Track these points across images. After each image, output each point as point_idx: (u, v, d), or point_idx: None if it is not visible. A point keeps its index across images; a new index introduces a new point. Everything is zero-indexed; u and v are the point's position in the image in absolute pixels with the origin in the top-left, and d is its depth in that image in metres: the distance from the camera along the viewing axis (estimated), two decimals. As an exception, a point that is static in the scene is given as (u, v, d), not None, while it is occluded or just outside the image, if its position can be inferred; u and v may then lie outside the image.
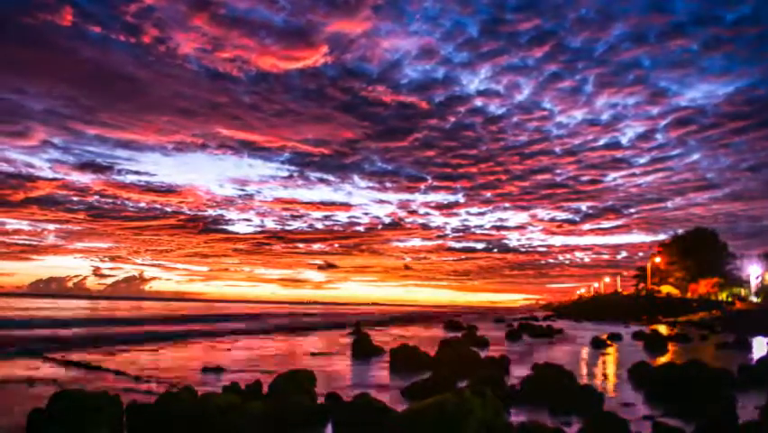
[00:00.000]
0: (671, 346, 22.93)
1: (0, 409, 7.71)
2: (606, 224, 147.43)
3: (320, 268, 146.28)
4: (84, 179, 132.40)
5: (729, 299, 64.96)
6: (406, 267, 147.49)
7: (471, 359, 13.16)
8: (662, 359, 16.85)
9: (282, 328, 32.53)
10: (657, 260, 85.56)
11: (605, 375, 13.19)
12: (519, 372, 11.75)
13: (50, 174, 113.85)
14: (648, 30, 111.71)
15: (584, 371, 13.79)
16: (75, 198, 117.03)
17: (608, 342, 23.93)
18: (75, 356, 14.27)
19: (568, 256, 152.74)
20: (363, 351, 17.13)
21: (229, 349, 18.39)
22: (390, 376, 12.38)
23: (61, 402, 5.99)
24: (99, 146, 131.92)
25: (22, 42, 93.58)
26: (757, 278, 63.85)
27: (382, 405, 6.84)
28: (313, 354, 16.85)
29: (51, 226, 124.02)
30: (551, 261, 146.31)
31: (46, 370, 11.84)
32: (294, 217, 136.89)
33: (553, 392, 8.65)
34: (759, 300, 59.52)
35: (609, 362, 16.51)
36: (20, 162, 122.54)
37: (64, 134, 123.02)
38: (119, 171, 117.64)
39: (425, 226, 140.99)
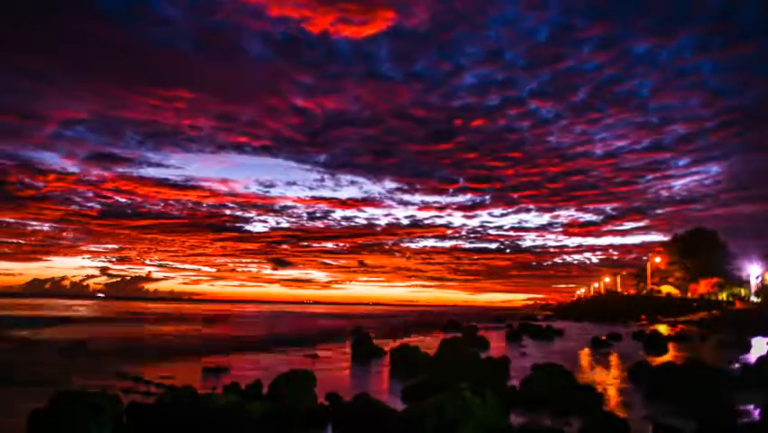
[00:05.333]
0: (671, 346, 22.91)
1: (0, 408, 7.71)
2: (628, 225, 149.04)
3: (273, 264, 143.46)
4: (98, 173, 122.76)
5: (729, 299, 64.94)
6: (361, 263, 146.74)
7: (471, 359, 13.16)
8: (662, 359, 16.84)
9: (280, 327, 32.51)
10: (657, 260, 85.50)
11: (605, 375, 13.19)
12: (519, 372, 11.75)
13: (61, 169, 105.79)
14: (712, 37, 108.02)
15: (584, 371, 13.78)
16: (88, 195, 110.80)
17: (608, 342, 23.92)
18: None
19: (576, 257, 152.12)
20: (363, 351, 17.11)
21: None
22: (390, 376, 12.38)
23: (62, 402, 5.99)
24: (117, 136, 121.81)
25: (24, 9, 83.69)
26: (757, 278, 63.78)
27: (382, 405, 6.84)
28: (312, 354, 16.85)
29: (60, 226, 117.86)
30: (557, 261, 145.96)
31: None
32: (311, 218, 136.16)
33: (553, 392, 8.66)
34: (759, 300, 59.47)
35: (609, 362, 16.51)
36: (30, 155, 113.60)
37: (75, 123, 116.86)
38: (139, 165, 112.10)
39: (442, 227, 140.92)
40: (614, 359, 17.37)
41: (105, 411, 6.03)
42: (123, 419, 6.37)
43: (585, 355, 18.39)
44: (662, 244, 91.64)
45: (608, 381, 12.13)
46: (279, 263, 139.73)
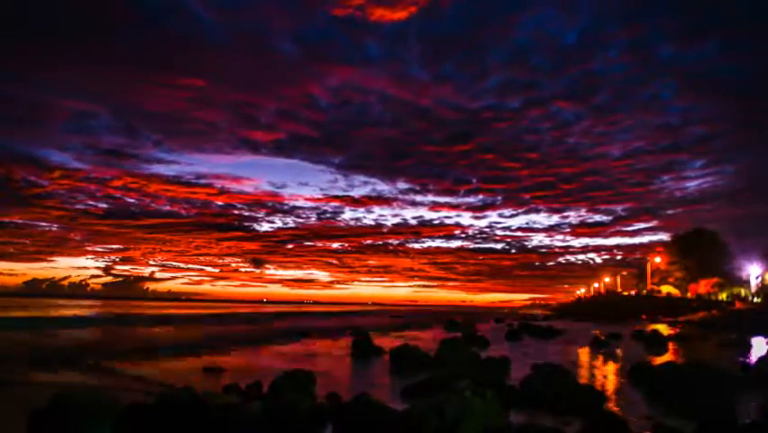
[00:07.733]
0: (671, 346, 22.92)
1: (1, 408, 7.71)
2: (637, 225, 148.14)
3: (253, 263, 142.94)
4: (106, 170, 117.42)
5: (729, 299, 64.96)
6: (339, 261, 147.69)
7: (471, 359, 13.16)
8: (663, 359, 16.84)
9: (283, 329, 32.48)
10: (657, 260, 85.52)
11: (605, 375, 13.19)
12: (519, 372, 11.74)
13: (68, 165, 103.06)
14: (740, 40, 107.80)
15: (584, 371, 13.78)
16: (96, 194, 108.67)
17: (608, 342, 23.91)
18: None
19: (580, 257, 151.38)
20: (363, 351, 17.12)
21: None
22: (390, 376, 12.37)
23: (62, 402, 5.99)
24: (128, 130, 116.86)
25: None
26: (757, 278, 63.79)
27: (382, 405, 6.83)
28: (312, 354, 16.84)
29: (65, 226, 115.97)
30: (561, 261, 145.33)
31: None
32: (319, 218, 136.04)
33: (553, 392, 8.65)
34: (759, 300, 59.49)
35: (609, 362, 16.50)
36: (35, 150, 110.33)
37: (85, 117, 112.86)
38: (149, 161, 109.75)
39: (450, 227, 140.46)
40: (614, 359, 17.37)
41: (104, 411, 6.03)
42: (123, 419, 6.37)
43: (585, 355, 18.38)
44: (662, 244, 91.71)
45: (608, 381, 12.13)
46: (258, 263, 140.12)
